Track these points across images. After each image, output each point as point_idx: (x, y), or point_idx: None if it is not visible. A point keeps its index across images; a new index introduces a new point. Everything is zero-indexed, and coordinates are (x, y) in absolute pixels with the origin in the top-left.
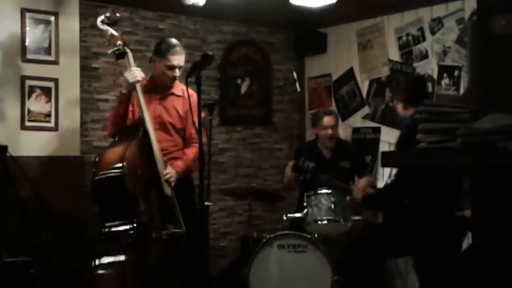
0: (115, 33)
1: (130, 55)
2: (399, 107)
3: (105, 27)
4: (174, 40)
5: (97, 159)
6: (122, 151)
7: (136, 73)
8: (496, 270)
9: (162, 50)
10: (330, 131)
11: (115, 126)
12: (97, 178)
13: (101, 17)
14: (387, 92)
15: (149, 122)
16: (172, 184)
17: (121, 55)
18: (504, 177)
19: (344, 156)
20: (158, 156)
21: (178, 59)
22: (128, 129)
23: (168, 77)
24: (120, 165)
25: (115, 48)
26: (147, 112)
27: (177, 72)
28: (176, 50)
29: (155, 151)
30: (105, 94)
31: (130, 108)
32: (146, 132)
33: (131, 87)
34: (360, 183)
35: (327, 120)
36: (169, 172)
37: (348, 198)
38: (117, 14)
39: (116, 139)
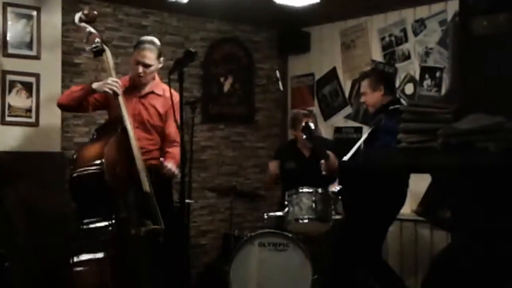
0: (92, 30)
1: (108, 52)
2: (379, 93)
3: (83, 24)
4: (148, 37)
5: (75, 156)
6: (101, 148)
7: (115, 85)
8: (474, 267)
9: (135, 45)
10: None
11: (66, 101)
12: (75, 175)
13: (79, 14)
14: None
15: (128, 120)
16: (177, 174)
17: (99, 52)
18: (484, 176)
19: None
20: (136, 153)
21: (142, 55)
22: (107, 126)
23: (134, 72)
24: (98, 161)
25: (93, 46)
26: (126, 110)
27: (141, 69)
28: (142, 46)
29: (134, 148)
30: None
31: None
32: (124, 129)
33: (101, 91)
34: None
35: None
36: (170, 167)
37: (323, 161)
38: (95, 12)
39: (95, 136)
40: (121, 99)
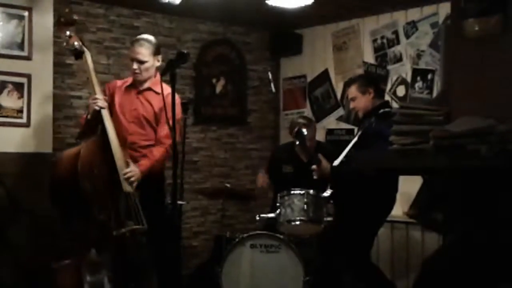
0: (71, 33)
1: (87, 54)
2: (369, 96)
3: (61, 27)
4: (145, 35)
5: (54, 159)
6: (76, 152)
7: (99, 102)
8: (466, 269)
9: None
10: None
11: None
12: (53, 180)
13: (57, 17)
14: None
15: (108, 121)
16: (135, 183)
17: (78, 54)
18: (475, 179)
19: None
20: (117, 153)
21: (135, 52)
22: (86, 128)
23: (131, 70)
24: (73, 166)
25: (72, 48)
26: (109, 122)
27: (135, 66)
28: (137, 42)
29: (114, 149)
30: (78, 91)
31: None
32: (104, 131)
33: (95, 114)
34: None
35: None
36: (131, 171)
37: (314, 166)
38: (74, 16)
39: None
40: (104, 112)
